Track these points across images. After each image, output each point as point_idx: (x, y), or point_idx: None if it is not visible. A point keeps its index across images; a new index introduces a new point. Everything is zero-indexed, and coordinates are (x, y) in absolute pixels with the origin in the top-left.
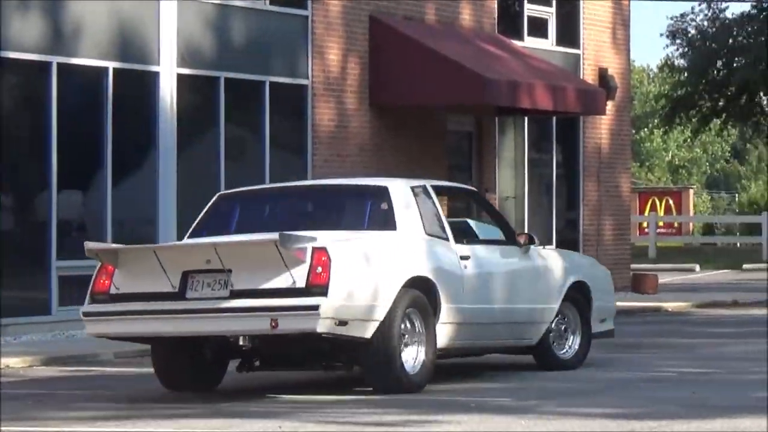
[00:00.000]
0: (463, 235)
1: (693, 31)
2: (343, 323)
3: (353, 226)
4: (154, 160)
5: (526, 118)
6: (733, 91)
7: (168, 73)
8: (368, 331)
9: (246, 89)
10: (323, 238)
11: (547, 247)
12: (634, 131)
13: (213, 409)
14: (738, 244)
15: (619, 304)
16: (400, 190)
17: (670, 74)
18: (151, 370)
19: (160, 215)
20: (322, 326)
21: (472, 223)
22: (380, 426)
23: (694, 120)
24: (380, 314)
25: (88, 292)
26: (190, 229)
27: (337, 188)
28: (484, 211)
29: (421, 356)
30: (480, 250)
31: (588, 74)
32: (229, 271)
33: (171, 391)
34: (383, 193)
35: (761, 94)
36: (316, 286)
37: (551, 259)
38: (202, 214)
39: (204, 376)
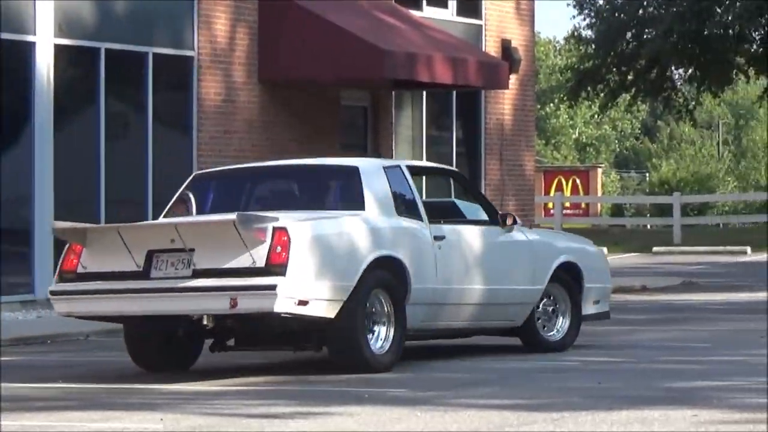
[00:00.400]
0: (448, 215)
1: (601, 1)
2: (303, 303)
3: (322, 206)
4: (29, 136)
5: (424, 93)
6: (643, 65)
7: (45, 43)
8: (332, 311)
9: (128, 61)
10: (285, 218)
11: (535, 227)
12: (539, 107)
13: (92, 401)
14: (648, 226)
15: None
16: (371, 170)
17: (577, 46)
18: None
19: (35, 194)
20: (281, 306)
21: (459, 203)
22: (265, 418)
23: (601, 95)
24: (344, 294)
25: (57, 270)
26: (165, 209)
27: (309, 168)
28: (466, 192)
29: (390, 336)
30: (457, 230)
31: (490, 46)
32: (192, 250)
33: (145, 371)
34: (354, 172)
35: (672, 67)
36: (276, 266)
37: (537, 239)
38: (177, 194)
39: (176, 356)
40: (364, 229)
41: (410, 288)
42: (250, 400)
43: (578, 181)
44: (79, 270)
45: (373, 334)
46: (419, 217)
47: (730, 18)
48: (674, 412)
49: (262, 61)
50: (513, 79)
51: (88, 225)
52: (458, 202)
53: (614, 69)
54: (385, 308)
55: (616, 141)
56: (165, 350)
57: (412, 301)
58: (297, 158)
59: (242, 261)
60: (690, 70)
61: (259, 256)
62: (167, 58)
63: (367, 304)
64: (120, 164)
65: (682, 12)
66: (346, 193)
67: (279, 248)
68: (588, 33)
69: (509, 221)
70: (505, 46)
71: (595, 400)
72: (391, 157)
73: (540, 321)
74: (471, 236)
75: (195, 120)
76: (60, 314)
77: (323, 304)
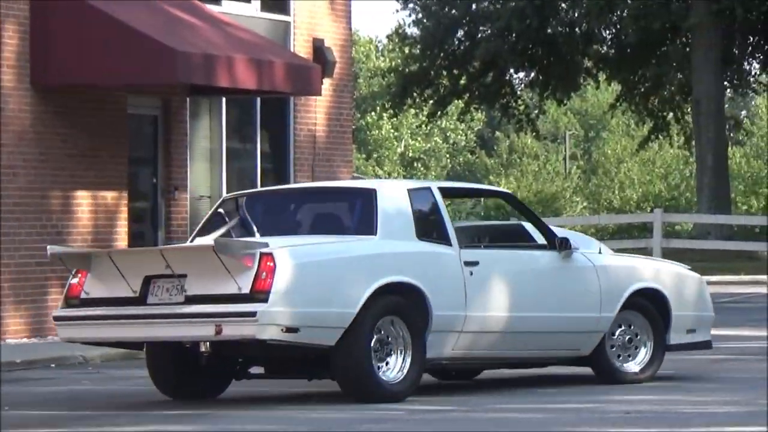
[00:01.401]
0: (513, 239)
1: None
2: (292, 330)
3: (335, 231)
4: None
5: (224, 100)
6: (477, 67)
7: None
8: (330, 339)
9: None
10: (279, 243)
11: (612, 252)
12: (358, 115)
13: None
14: None
15: None
16: (390, 193)
17: (401, 46)
18: None
19: None
20: (265, 333)
21: (527, 226)
22: None
23: (430, 102)
24: (344, 321)
25: (63, 296)
26: (195, 230)
27: (329, 191)
28: (521, 214)
29: (407, 364)
30: (496, 255)
31: (300, 46)
32: (184, 276)
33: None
34: (370, 195)
35: (512, 70)
36: (259, 292)
37: (605, 264)
38: (207, 215)
39: (203, 383)
40: (370, 254)
41: (431, 315)
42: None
43: None
44: (83, 296)
45: (385, 362)
46: (447, 242)
47: (576, 15)
48: None
49: (35, 64)
50: (326, 83)
51: (89, 250)
52: (526, 225)
53: (444, 72)
54: (401, 336)
55: (448, 155)
56: (187, 378)
57: (435, 328)
58: (329, 180)
59: (230, 287)
60: (532, 74)
61: (245, 282)
62: None
63: (375, 332)
64: None
65: (521, 8)
66: (359, 217)
67: (264, 274)
68: (414, 31)
69: (566, 245)
70: (317, 46)
71: None
72: (186, 178)
73: (615, 350)
74: (515, 261)
75: None
76: (62, 339)
77: (318, 332)
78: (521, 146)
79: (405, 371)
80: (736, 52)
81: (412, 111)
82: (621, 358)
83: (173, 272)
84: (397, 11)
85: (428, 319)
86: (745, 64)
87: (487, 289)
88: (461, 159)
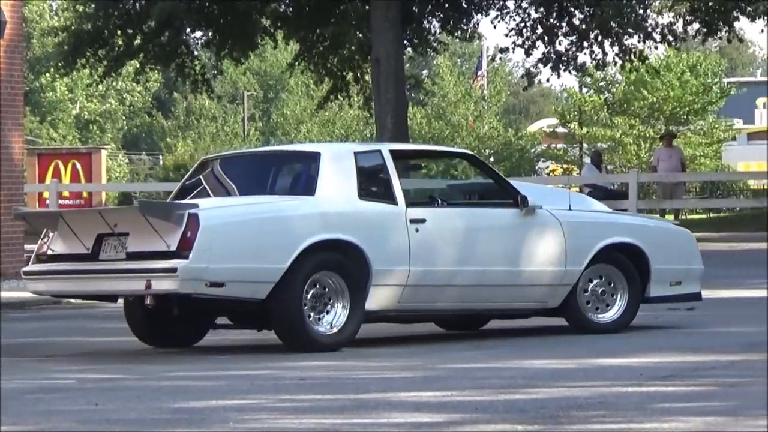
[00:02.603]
0: (477, 196)
1: None
2: (218, 285)
3: (281, 192)
4: None
5: None
6: (153, 26)
7: None
8: (260, 293)
9: None
10: (206, 204)
11: (589, 208)
12: (32, 77)
13: None
14: None
15: (10, 295)
16: (335, 155)
17: (75, 4)
18: None
19: None
20: (186, 287)
21: (520, 185)
22: None
23: (104, 62)
24: (273, 276)
25: (34, 252)
26: (174, 191)
27: (279, 154)
28: (483, 174)
29: (343, 317)
30: (447, 212)
31: None
32: (126, 234)
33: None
34: (314, 158)
35: (188, 30)
36: (183, 250)
37: (573, 221)
38: (186, 175)
39: (175, 333)
40: (302, 214)
41: (371, 270)
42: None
43: (79, 165)
44: (49, 252)
45: (321, 314)
46: (392, 201)
47: None
48: None
49: None
50: None
51: (52, 210)
52: (517, 183)
53: (119, 31)
54: (338, 289)
55: (125, 117)
56: (163, 327)
57: (377, 282)
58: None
59: (161, 245)
60: (209, 34)
61: (173, 240)
62: None
63: (311, 286)
64: None
65: None
66: (302, 178)
67: (189, 233)
68: None
69: (525, 203)
70: None
71: (92, 425)
72: None
73: (587, 302)
74: (467, 219)
75: None
76: (31, 292)
77: (245, 286)
78: (199, 108)
79: (341, 323)
80: (416, 10)
81: (87, 72)
82: (596, 309)
83: (118, 232)
84: None
85: (368, 274)
86: (425, 23)
87: (432, 245)
88: (138, 121)
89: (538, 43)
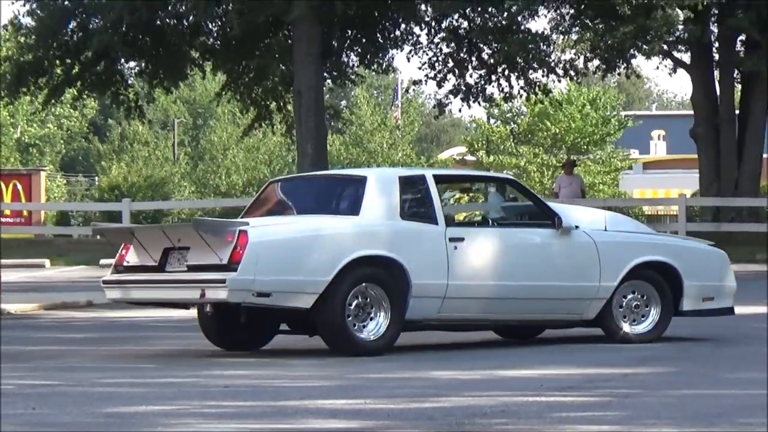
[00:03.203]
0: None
1: None
2: (264, 295)
3: (331, 212)
4: None
5: None
6: (90, 57)
7: None
8: (305, 303)
9: None
10: (257, 222)
11: (624, 230)
12: None
13: None
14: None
15: None
16: (380, 179)
17: (17, 36)
18: None
19: None
20: (235, 297)
21: (562, 207)
22: None
23: (45, 90)
24: (317, 287)
25: (113, 263)
26: (245, 209)
27: (336, 177)
28: (524, 197)
29: (384, 325)
30: (485, 231)
31: None
32: (187, 249)
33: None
34: (361, 182)
35: (123, 60)
36: (233, 263)
37: (606, 240)
38: (256, 195)
39: (246, 338)
40: (347, 231)
41: (410, 283)
42: None
43: (19, 186)
44: (125, 263)
45: (364, 322)
46: (433, 221)
47: (183, 9)
48: None
49: None
50: None
51: (125, 226)
52: (560, 207)
53: (58, 62)
54: (379, 300)
55: (62, 141)
56: (232, 331)
57: (417, 294)
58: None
59: (215, 259)
60: (142, 64)
61: (225, 254)
62: None
63: (354, 297)
64: None
65: (132, 1)
66: (349, 200)
67: (239, 248)
68: (29, 21)
69: (560, 224)
70: None
71: (30, 426)
72: None
73: (623, 314)
74: (503, 237)
75: None
76: (109, 299)
77: (291, 296)
78: (132, 133)
79: (382, 330)
80: (335, 45)
81: (28, 98)
82: (630, 321)
83: (180, 246)
84: (13, 2)
85: (407, 287)
86: (344, 57)
87: (470, 261)
88: (76, 145)
89: (449, 75)
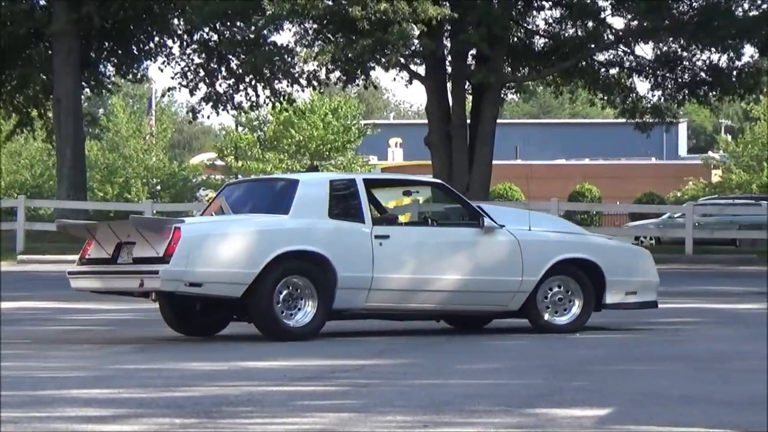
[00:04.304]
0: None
1: None
2: (195, 285)
3: (265, 211)
4: None
5: None
6: None
7: None
8: (236, 292)
9: None
10: (192, 220)
11: (552, 229)
12: None
13: None
14: None
15: None
16: (311, 182)
17: None
18: None
19: None
20: (167, 286)
21: (490, 208)
22: None
23: None
24: (246, 278)
25: (78, 256)
26: (203, 209)
27: (271, 180)
28: (451, 201)
29: (311, 312)
30: (410, 230)
31: None
32: (133, 243)
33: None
34: (293, 184)
35: None
36: (167, 256)
37: (530, 239)
38: (213, 197)
39: (202, 324)
40: (276, 228)
41: (337, 276)
42: None
43: None
44: (87, 256)
45: (291, 310)
46: (360, 220)
47: None
48: None
49: None
50: None
51: (82, 223)
52: (488, 206)
53: None
54: (307, 290)
55: None
56: (191, 319)
57: (344, 286)
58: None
59: (154, 252)
60: None
61: (161, 248)
62: None
63: (283, 287)
64: None
65: None
66: (281, 200)
67: (173, 242)
68: None
69: (482, 223)
70: None
71: None
72: None
73: (547, 307)
74: (427, 235)
75: None
76: (73, 289)
77: (222, 286)
78: None
79: (310, 318)
80: (93, 55)
81: None
82: (555, 312)
83: (127, 241)
84: None
85: (334, 279)
86: (102, 67)
87: (394, 256)
88: None
89: (201, 84)
